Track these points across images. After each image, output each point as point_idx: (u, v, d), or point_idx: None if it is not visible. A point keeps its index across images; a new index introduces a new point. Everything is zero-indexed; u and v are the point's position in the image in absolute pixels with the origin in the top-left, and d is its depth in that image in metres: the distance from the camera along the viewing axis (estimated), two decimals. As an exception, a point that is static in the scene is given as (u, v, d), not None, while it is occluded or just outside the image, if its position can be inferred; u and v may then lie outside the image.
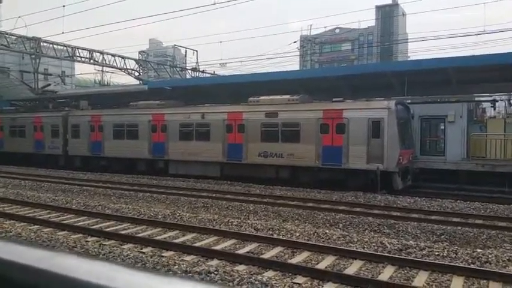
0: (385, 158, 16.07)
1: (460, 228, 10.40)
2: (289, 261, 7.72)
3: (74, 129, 25.68)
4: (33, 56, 35.40)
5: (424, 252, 8.07)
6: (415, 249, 8.23)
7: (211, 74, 44.51)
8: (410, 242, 8.90)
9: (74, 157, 26.03)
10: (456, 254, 7.95)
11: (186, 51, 48.42)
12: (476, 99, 22.07)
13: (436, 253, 8.02)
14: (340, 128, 17.10)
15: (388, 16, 77.57)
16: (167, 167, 22.11)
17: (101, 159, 24.71)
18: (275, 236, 9.39)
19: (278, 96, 19.30)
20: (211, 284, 1.01)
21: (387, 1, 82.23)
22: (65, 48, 35.26)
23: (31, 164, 27.32)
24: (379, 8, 79.77)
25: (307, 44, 76.66)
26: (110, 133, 23.96)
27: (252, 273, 6.96)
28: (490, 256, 7.75)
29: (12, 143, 29.37)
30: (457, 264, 7.34)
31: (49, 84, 39.02)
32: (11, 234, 9.60)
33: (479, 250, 8.21)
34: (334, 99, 18.16)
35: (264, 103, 19.45)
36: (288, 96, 19.07)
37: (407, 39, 69.42)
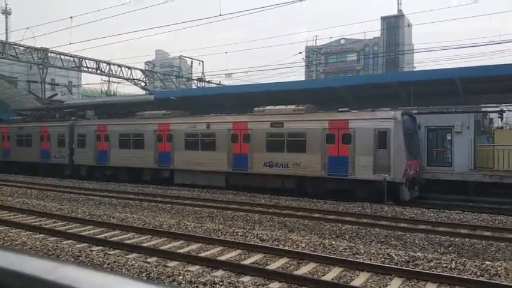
0: (391, 169, 15.96)
1: (468, 240, 10.27)
2: (295, 272, 7.64)
3: (80, 138, 25.74)
4: (41, 66, 35.80)
5: (431, 264, 7.96)
6: (422, 261, 8.12)
7: (217, 84, 44.75)
8: (418, 253, 8.79)
9: (80, 166, 26.07)
10: (464, 266, 7.83)
11: (192, 61, 48.80)
12: (484, 109, 21.97)
13: (444, 265, 7.91)
14: (346, 138, 17.02)
15: (393, 27, 77.77)
16: (172, 176, 22.10)
17: (106, 168, 24.75)
18: (281, 246, 9.31)
19: (283, 106, 19.30)
20: None
21: (393, 12, 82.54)
22: (72, 58, 35.64)
23: (37, 174, 27.37)
24: (384, 19, 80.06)
25: (313, 54, 76.99)
26: (116, 143, 24.00)
27: (257, 284, 6.90)
28: (499, 269, 7.63)
29: (19, 153, 29.43)
30: (465, 277, 7.23)
31: (56, 94, 39.44)
32: (16, 242, 9.59)
33: (488, 262, 8.09)
34: (339, 109, 18.14)
35: (269, 113, 19.45)
36: (293, 106, 19.06)
37: (413, 49, 69.56)
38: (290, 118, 18.52)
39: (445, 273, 7.40)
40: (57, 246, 9.22)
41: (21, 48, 34.01)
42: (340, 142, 17.13)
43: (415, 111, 19.34)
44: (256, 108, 20.09)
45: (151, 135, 22.54)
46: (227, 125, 20.11)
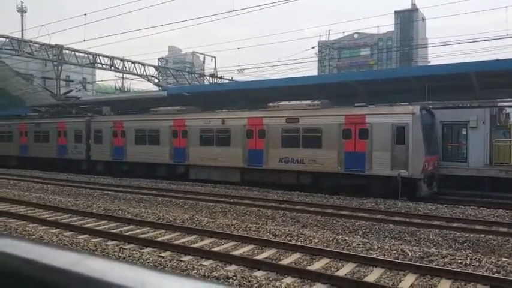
0: (410, 165, 15.71)
1: (483, 236, 10.14)
2: (308, 267, 7.65)
3: (97, 134, 25.88)
4: (56, 63, 36.23)
5: (446, 260, 7.89)
6: (437, 257, 8.05)
7: (229, 80, 44.81)
8: (432, 249, 8.72)
9: (97, 162, 26.26)
10: (480, 263, 7.75)
11: (204, 57, 48.89)
12: (500, 104, 21.58)
13: (459, 261, 7.83)
14: (363, 134, 16.81)
15: (407, 21, 76.80)
16: (188, 172, 22.16)
17: (123, 164, 24.90)
18: (293, 242, 9.32)
19: (298, 102, 19.15)
20: None
21: (406, 6, 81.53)
22: (86, 55, 36.00)
23: (54, 169, 27.62)
24: (398, 13, 79.10)
25: (325, 49, 76.51)
26: (132, 138, 24.11)
27: (270, 279, 6.92)
28: (515, 265, 7.52)
29: (36, 148, 29.73)
30: (480, 273, 7.16)
31: (71, 91, 39.87)
32: (33, 237, 9.77)
33: (504, 259, 7.99)
34: (356, 104, 17.91)
35: (284, 108, 19.33)
36: (308, 102, 18.91)
37: (427, 44, 68.64)
38: (305, 113, 18.37)
39: (459, 270, 7.34)
40: (73, 240, 9.37)
41: (36, 45, 34.48)
42: (357, 137, 16.93)
43: (430, 106, 19.09)
44: (270, 104, 19.99)
45: (167, 131, 22.61)
46: (242, 120, 20.06)
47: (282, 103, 19.66)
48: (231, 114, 21.28)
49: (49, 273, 0.85)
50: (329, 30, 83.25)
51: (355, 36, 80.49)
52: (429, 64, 57.09)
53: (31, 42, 34.13)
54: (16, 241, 1.02)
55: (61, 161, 28.22)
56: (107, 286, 0.76)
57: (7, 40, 32.32)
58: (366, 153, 16.67)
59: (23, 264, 0.90)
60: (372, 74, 33.14)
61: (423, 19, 77.44)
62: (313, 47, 60.97)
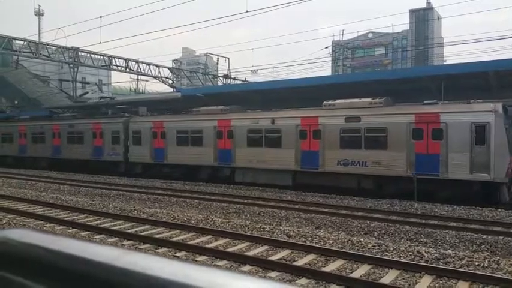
0: (491, 167, 14.51)
1: (501, 238, 9.97)
2: (323, 269, 7.61)
3: (135, 135, 25.01)
4: (72, 65, 36.78)
5: (463, 262, 7.79)
6: (453, 259, 7.95)
7: (243, 80, 44.96)
8: (449, 251, 8.61)
9: (135, 164, 25.50)
10: (498, 265, 7.62)
11: (218, 58, 49.03)
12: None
13: (476, 263, 7.72)
14: (437, 134, 15.61)
15: (422, 20, 75.98)
16: (233, 174, 21.24)
17: (163, 166, 24.16)
18: (308, 243, 9.28)
19: (357, 100, 17.95)
20: (289, 284, 1.00)
21: (421, 5, 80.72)
22: (101, 57, 36.46)
23: (89, 172, 26.69)
24: (413, 12, 78.32)
25: (339, 49, 76.14)
26: (173, 140, 23.21)
27: (284, 280, 6.91)
28: (535, 268, 7.38)
29: (70, 150, 28.87)
30: (499, 276, 7.04)
31: (87, 92, 40.45)
32: (51, 237, 9.90)
33: (523, 261, 7.84)
34: (425, 102, 16.79)
35: (341, 107, 18.15)
36: (369, 99, 17.70)
37: (442, 43, 67.77)
38: (368, 112, 17.20)
39: (477, 272, 7.23)
40: (89, 240, 9.48)
41: (53, 48, 35.06)
42: (430, 138, 15.77)
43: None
44: (325, 102, 18.88)
45: (211, 132, 21.65)
46: (295, 120, 18.96)
47: (338, 101, 18.43)
48: (282, 113, 20.10)
49: (93, 268, 0.87)
50: (343, 30, 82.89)
51: (370, 35, 79.97)
52: (445, 63, 56.40)
53: (48, 45, 34.72)
54: (61, 238, 1.04)
55: (96, 162, 27.34)
56: (149, 280, 0.78)
57: (25, 43, 32.90)
58: (441, 155, 15.47)
59: (67, 260, 0.93)
60: (383, 73, 32.81)
61: (438, 18, 76.61)
62: (326, 47, 60.78)
